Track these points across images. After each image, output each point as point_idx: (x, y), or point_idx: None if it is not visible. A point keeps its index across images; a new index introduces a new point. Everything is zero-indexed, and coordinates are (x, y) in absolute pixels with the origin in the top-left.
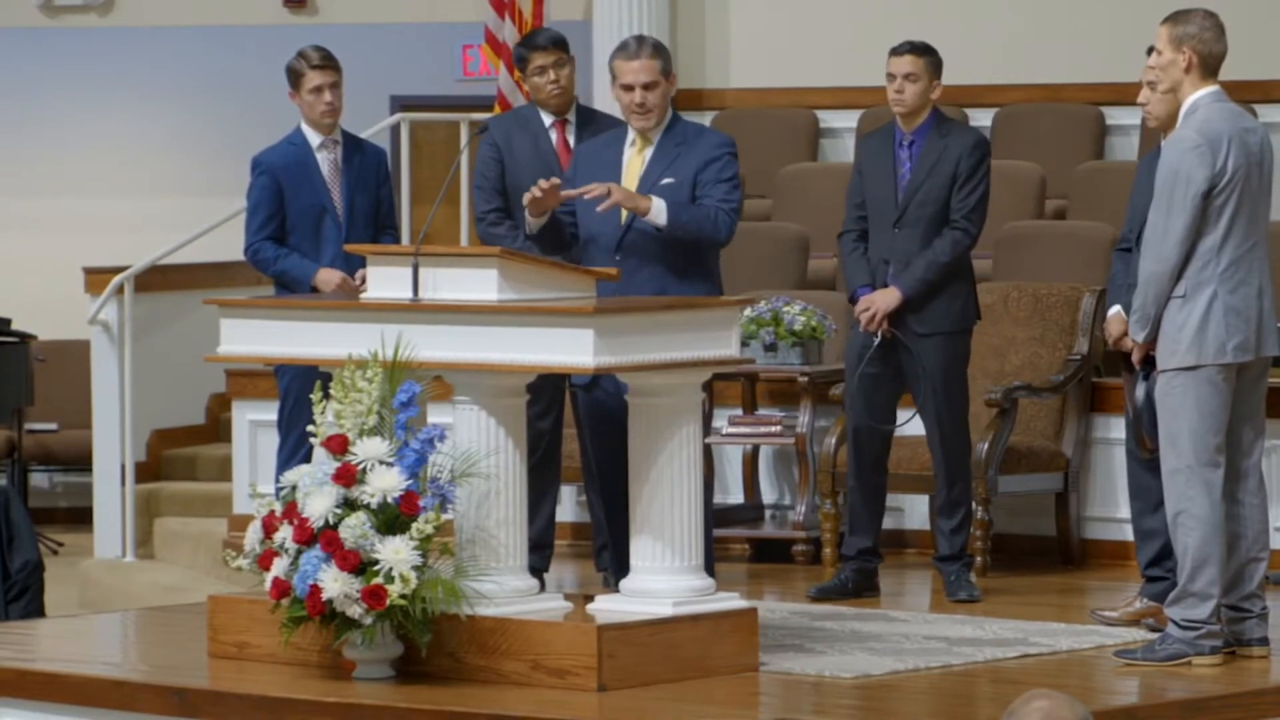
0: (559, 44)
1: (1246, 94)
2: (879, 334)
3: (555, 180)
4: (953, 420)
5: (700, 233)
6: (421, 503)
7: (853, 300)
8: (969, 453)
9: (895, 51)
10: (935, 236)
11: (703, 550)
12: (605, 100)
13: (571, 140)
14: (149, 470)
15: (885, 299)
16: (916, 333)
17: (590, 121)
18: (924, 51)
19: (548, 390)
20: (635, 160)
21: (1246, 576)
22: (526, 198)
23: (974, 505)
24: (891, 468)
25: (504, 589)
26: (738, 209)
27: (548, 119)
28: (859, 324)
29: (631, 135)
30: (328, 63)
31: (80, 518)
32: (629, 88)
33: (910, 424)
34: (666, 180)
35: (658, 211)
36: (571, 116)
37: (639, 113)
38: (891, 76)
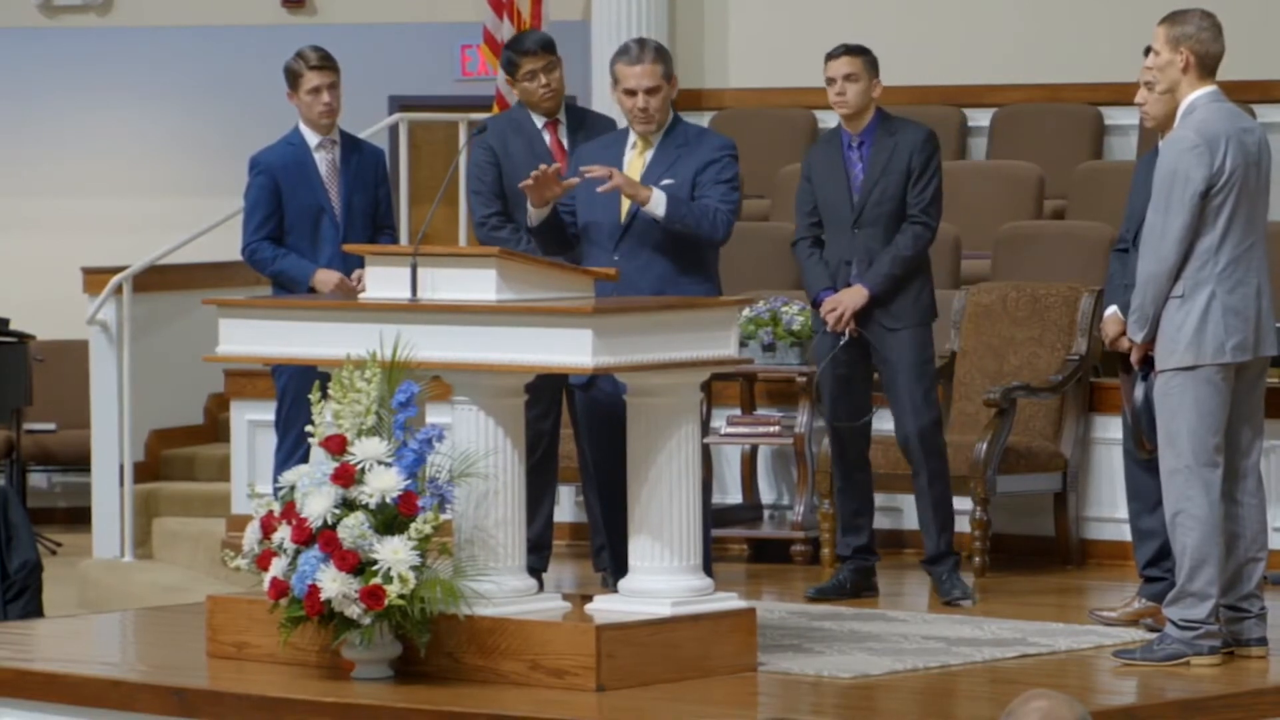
0: (548, 46)
1: (1246, 94)
2: (846, 333)
3: (558, 165)
4: (930, 414)
5: (699, 228)
6: (420, 503)
7: (815, 304)
8: (945, 447)
9: (831, 55)
10: (895, 233)
11: (701, 550)
12: (604, 102)
13: (565, 141)
14: (147, 470)
15: (853, 298)
16: (886, 327)
17: (582, 122)
18: (859, 52)
19: (547, 391)
20: (636, 162)
21: (1245, 576)
22: (524, 184)
23: (972, 505)
24: (888, 468)
25: (502, 589)
26: (736, 209)
27: (539, 120)
28: (825, 325)
29: (632, 137)
30: (326, 63)
31: (79, 518)
32: (631, 92)
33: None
34: (666, 181)
35: (657, 202)
36: (563, 117)
37: (642, 118)
38: (831, 80)
